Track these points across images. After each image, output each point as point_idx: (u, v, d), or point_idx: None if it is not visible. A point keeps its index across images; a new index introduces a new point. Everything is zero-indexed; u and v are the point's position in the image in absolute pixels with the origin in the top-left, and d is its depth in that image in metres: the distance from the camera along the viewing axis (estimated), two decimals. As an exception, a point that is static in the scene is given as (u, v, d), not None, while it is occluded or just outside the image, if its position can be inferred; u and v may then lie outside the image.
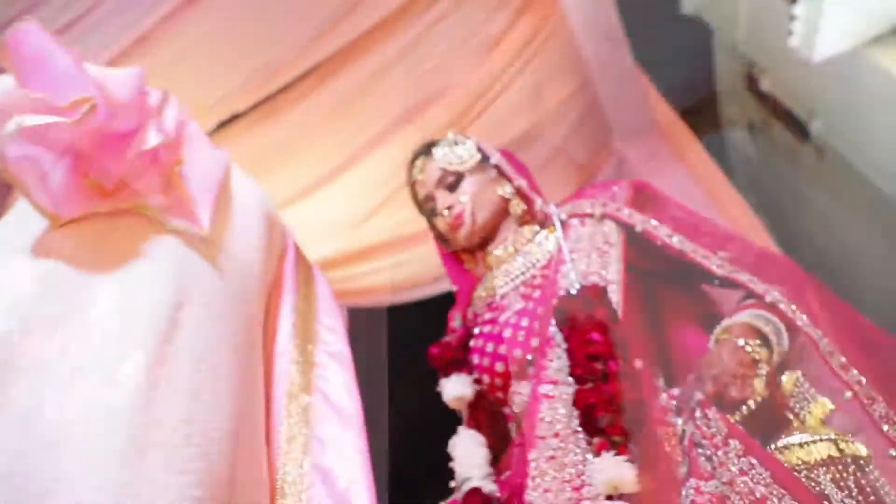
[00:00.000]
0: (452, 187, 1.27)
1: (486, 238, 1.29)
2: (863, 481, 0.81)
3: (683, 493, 0.88)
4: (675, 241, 1.13)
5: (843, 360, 0.94)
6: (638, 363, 0.99)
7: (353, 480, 0.96)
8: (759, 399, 0.91)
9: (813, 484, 0.82)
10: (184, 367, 0.80)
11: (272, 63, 2.32)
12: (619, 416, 0.88)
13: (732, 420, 0.89)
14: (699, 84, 4.43)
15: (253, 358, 0.97)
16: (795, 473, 0.83)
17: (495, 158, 1.29)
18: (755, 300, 1.05)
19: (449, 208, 1.26)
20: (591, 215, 1.17)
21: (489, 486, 1.12)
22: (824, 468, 0.82)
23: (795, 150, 3.52)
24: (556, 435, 0.93)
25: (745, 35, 3.27)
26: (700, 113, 3.98)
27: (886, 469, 0.89)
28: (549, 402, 0.96)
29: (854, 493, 0.80)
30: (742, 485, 0.82)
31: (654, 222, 1.16)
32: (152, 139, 0.88)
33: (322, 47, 2.36)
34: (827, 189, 3.50)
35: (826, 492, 0.80)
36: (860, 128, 2.82)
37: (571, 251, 1.12)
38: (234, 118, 2.52)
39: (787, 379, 0.96)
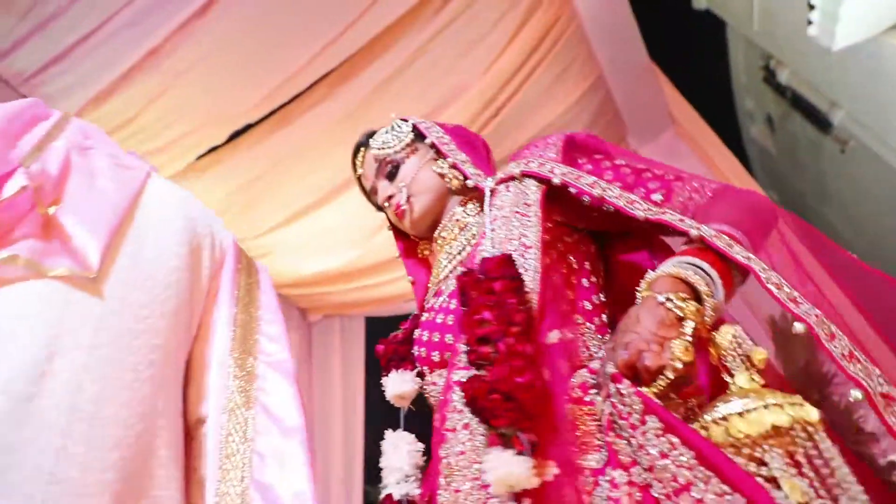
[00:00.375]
0: (392, 176, 1.19)
1: (435, 222, 1.19)
2: (813, 452, 0.67)
3: (601, 484, 0.77)
4: (597, 189, 0.97)
5: (796, 294, 0.79)
6: (553, 336, 0.86)
7: (299, 495, 0.91)
8: (678, 366, 0.74)
9: (752, 463, 0.69)
10: (54, 422, 0.77)
11: (285, 70, 2.32)
12: (506, 404, 0.77)
13: (649, 393, 0.74)
14: (714, 79, 4.37)
15: (163, 392, 0.93)
16: (733, 449, 0.69)
17: (431, 137, 1.19)
18: (692, 245, 0.88)
19: (389, 198, 1.19)
20: (514, 177, 1.05)
21: (403, 490, 1.05)
22: (771, 441, 0.68)
23: (817, 142, 3.45)
24: (466, 426, 0.83)
25: (760, 27, 3.21)
26: (716, 108, 3.92)
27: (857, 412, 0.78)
28: (461, 389, 0.85)
29: (805, 469, 0.67)
30: (663, 469, 0.69)
31: (576, 172, 1.02)
32: (9, 189, 0.83)
33: (334, 53, 2.35)
34: (851, 181, 3.42)
35: (772, 471, 0.67)
36: (884, 116, 2.75)
37: (494, 219, 1.00)
38: (248, 128, 2.52)
39: (722, 333, 0.78)
